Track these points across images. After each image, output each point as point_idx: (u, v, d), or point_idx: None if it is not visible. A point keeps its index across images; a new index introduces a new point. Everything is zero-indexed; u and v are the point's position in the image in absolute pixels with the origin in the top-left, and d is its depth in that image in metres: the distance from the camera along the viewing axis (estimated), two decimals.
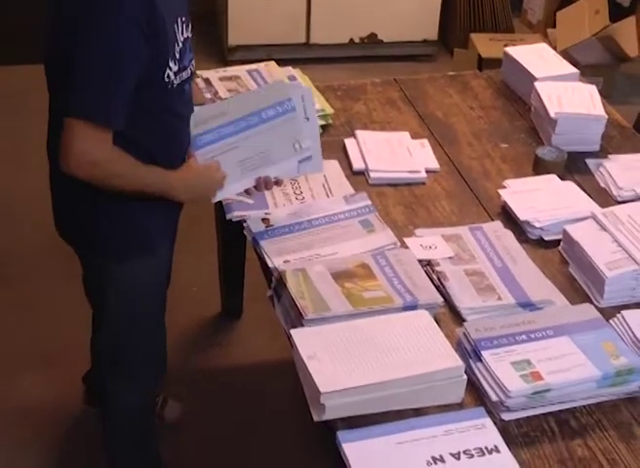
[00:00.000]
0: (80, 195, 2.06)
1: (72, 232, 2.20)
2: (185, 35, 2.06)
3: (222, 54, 4.90)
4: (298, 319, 1.93)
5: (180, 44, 2.03)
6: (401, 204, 2.42)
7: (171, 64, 1.99)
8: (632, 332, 1.95)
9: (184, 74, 2.06)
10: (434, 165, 2.58)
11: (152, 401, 2.58)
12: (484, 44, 4.70)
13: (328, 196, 2.41)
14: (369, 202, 2.37)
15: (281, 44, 4.84)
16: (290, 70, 2.89)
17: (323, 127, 2.70)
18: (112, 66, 1.88)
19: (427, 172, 2.55)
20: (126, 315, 2.25)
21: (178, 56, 2.01)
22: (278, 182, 2.25)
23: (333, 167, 2.54)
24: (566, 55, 4.01)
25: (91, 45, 1.86)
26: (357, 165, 2.56)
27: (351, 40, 4.97)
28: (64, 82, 1.90)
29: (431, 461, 1.68)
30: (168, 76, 1.99)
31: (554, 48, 3.70)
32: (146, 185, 2.02)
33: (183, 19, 2.05)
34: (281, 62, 2.97)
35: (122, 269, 2.16)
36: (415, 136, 2.69)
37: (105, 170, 1.95)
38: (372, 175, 2.51)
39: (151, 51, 1.92)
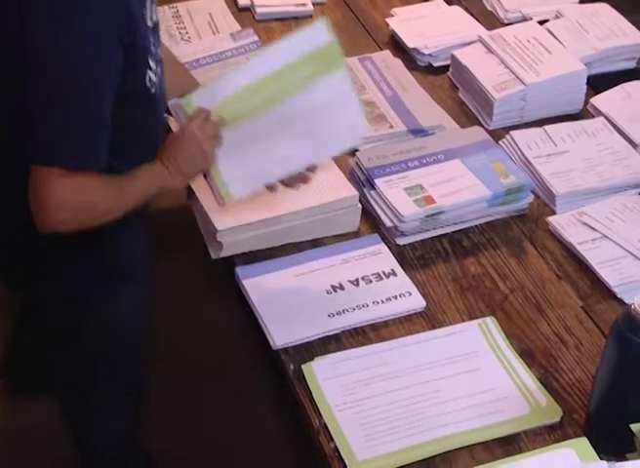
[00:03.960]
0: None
1: (28, 277, 1.73)
2: (155, 18, 1.59)
3: None
4: None
5: (151, 31, 1.56)
6: None
7: (151, 63, 1.55)
8: (521, 152, 1.98)
9: (160, 68, 1.61)
10: None
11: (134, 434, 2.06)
12: None
13: (214, 34, 2.36)
14: (256, 38, 2.33)
15: None
16: None
17: None
18: (85, 91, 1.43)
19: (314, 4, 2.50)
20: (107, 356, 1.82)
21: (154, 49, 1.57)
22: (312, 169, 1.72)
23: (218, 4, 2.48)
24: None
25: (53, 64, 1.40)
26: (243, 1, 2.50)
27: None
28: (19, 118, 1.47)
29: (331, 290, 1.71)
30: (150, 80, 1.55)
31: None
32: (139, 196, 1.59)
33: None
34: None
35: (104, 305, 1.74)
36: None
37: (93, 211, 1.53)
38: (258, 10, 2.46)
39: (130, 56, 1.48)
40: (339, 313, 1.67)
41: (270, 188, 1.71)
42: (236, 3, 2.50)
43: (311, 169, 1.71)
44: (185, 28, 2.38)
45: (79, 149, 1.47)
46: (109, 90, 1.46)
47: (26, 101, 1.44)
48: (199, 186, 1.81)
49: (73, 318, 1.75)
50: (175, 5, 2.46)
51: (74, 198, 1.48)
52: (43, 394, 2.28)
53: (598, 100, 2.16)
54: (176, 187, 1.65)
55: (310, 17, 2.46)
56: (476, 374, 1.57)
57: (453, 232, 1.85)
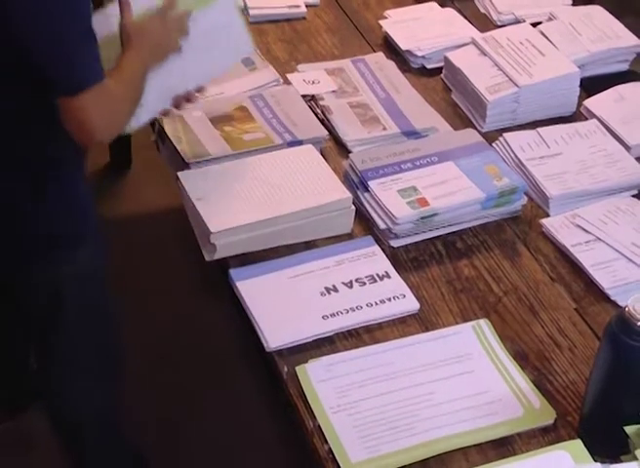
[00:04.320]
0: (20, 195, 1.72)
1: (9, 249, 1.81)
2: None
3: None
4: (183, 162, 1.92)
5: None
6: (282, 40, 2.38)
7: None
8: (514, 153, 1.99)
9: None
10: None
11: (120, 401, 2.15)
12: None
13: None
14: None
15: None
16: None
17: None
18: (80, 23, 1.58)
19: (307, 6, 2.50)
20: (88, 310, 1.91)
21: None
22: (201, 90, 1.88)
23: None
24: None
25: (46, 13, 1.53)
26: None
27: None
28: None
29: (325, 292, 1.71)
30: None
31: None
32: (138, 82, 1.72)
33: None
34: None
35: (79, 260, 1.83)
36: None
37: (121, 108, 1.69)
38: (251, 12, 2.45)
39: None
40: (332, 315, 1.67)
41: (165, 114, 1.88)
42: None
43: (200, 89, 1.86)
44: None
45: (91, 69, 1.61)
46: (90, 13, 1.63)
47: (38, 55, 1.57)
48: (192, 188, 1.81)
49: (52, 280, 1.83)
50: None
51: (105, 107, 1.63)
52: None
53: (591, 103, 2.16)
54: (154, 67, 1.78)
55: (304, 18, 2.46)
56: (470, 377, 1.57)
57: (446, 234, 1.85)
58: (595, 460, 1.38)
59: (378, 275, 1.75)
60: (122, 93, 1.68)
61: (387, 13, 2.47)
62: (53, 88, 1.59)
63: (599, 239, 1.81)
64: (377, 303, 1.69)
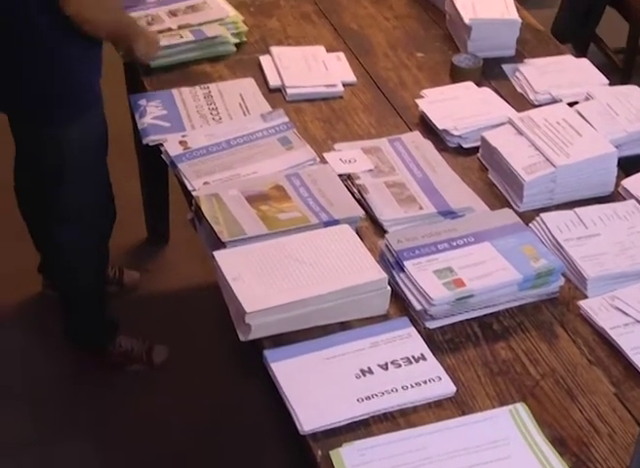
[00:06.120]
0: (33, 59, 2.29)
1: (18, 103, 2.39)
2: None
3: None
4: (219, 241, 1.92)
5: None
6: (319, 119, 2.40)
7: None
8: (551, 234, 1.97)
9: None
10: (351, 78, 2.56)
11: (107, 250, 2.79)
12: None
13: (245, 115, 2.38)
14: (286, 119, 2.35)
15: None
16: None
17: (237, 45, 2.66)
18: None
19: (344, 85, 2.52)
20: (83, 169, 2.51)
21: None
22: None
23: (249, 85, 2.51)
24: None
25: None
26: (273, 82, 2.53)
27: None
28: None
29: (360, 374, 1.70)
30: None
31: None
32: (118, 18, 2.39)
33: None
34: None
35: (80, 126, 2.42)
36: (330, 49, 2.66)
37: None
38: (288, 91, 2.48)
39: None
40: (367, 398, 1.65)
41: None
42: (267, 84, 2.52)
43: None
44: (217, 109, 2.40)
45: None
46: None
47: None
48: (228, 268, 1.81)
49: (56, 140, 2.43)
50: (207, 85, 2.49)
51: None
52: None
53: (629, 183, 2.15)
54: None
55: (341, 97, 2.48)
56: (507, 463, 1.54)
57: (483, 315, 1.83)
58: None
59: (413, 357, 1.73)
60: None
61: (424, 92, 2.48)
62: None
63: (638, 322, 1.78)
64: (412, 386, 1.67)
